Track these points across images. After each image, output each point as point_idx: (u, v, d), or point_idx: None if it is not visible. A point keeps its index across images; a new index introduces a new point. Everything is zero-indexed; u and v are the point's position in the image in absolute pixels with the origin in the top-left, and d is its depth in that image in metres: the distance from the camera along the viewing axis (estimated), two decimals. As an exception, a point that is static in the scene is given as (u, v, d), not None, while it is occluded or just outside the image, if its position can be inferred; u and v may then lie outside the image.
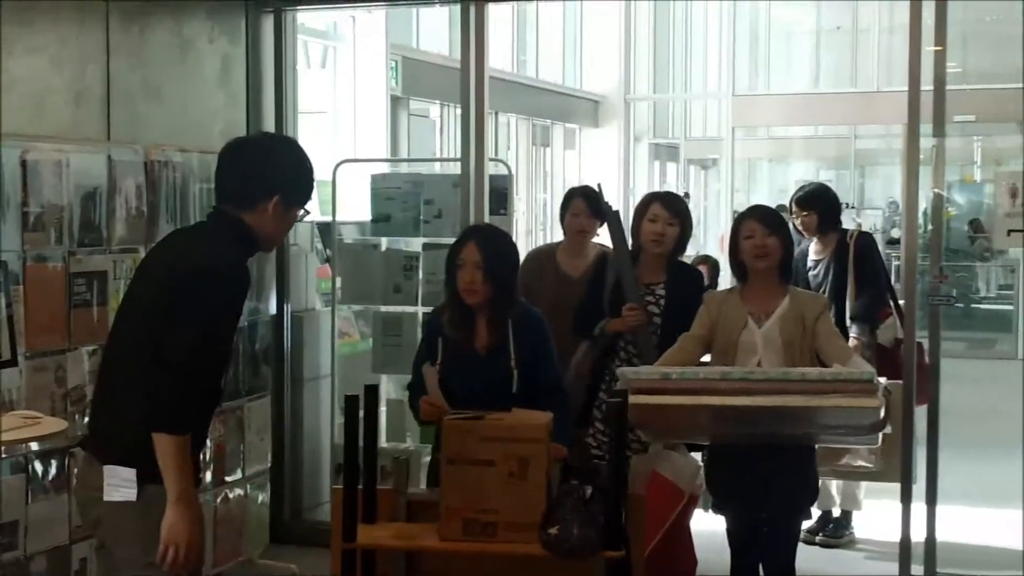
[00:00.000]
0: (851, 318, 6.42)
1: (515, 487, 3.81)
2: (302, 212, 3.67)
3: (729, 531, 4.86)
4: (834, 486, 6.73)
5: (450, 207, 6.69)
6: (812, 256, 6.75)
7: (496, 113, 13.94)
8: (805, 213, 6.70)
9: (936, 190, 6.07)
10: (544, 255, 6.13)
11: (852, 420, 4.25)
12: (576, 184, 6.81)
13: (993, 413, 10.21)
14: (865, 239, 6.80)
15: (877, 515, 6.67)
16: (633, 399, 4.07)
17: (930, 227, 6.25)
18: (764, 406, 4.10)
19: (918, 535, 5.88)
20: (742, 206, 20.15)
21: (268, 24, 6.84)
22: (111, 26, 5.67)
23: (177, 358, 3.33)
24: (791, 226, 6.34)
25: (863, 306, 6.50)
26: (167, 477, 3.32)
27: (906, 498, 5.85)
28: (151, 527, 3.35)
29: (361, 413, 3.92)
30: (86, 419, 4.76)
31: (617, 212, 5.58)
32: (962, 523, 6.66)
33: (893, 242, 15.71)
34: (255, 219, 3.53)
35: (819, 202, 6.72)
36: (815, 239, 6.74)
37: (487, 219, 6.46)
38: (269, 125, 6.82)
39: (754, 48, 21.34)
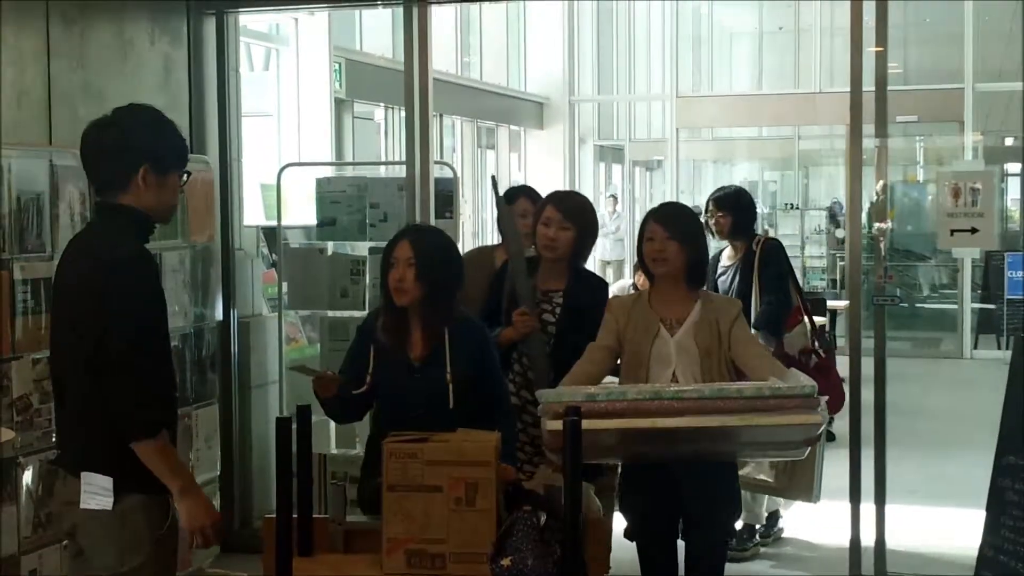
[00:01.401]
0: (753, 327, 6.18)
1: (463, 515, 3.59)
2: (183, 174, 3.60)
3: (643, 559, 4.56)
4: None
5: (396, 211, 6.65)
6: (724, 261, 6.69)
7: (441, 116, 13.87)
8: (721, 214, 6.61)
9: (878, 191, 6.09)
10: (483, 253, 5.85)
11: (791, 436, 3.96)
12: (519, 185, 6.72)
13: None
14: (771, 244, 6.72)
15: (825, 516, 6.68)
16: (551, 424, 3.77)
17: (875, 226, 6.28)
18: (705, 427, 3.78)
19: (868, 537, 5.88)
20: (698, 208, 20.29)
21: (210, 26, 6.76)
22: (51, 27, 5.58)
23: (117, 359, 3.31)
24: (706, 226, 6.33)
25: (764, 314, 6.42)
26: (163, 478, 3.37)
27: (855, 499, 5.85)
28: (127, 535, 3.37)
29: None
30: (44, 432, 4.85)
31: (509, 209, 5.27)
32: (910, 523, 6.69)
33: (841, 242, 15.81)
34: (134, 198, 3.48)
35: (735, 205, 6.64)
36: (728, 245, 6.71)
37: (433, 222, 6.42)
38: (212, 128, 6.74)
39: (697, 49, 21.43)
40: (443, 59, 15.04)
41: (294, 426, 3.74)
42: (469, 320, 4.32)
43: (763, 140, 22.85)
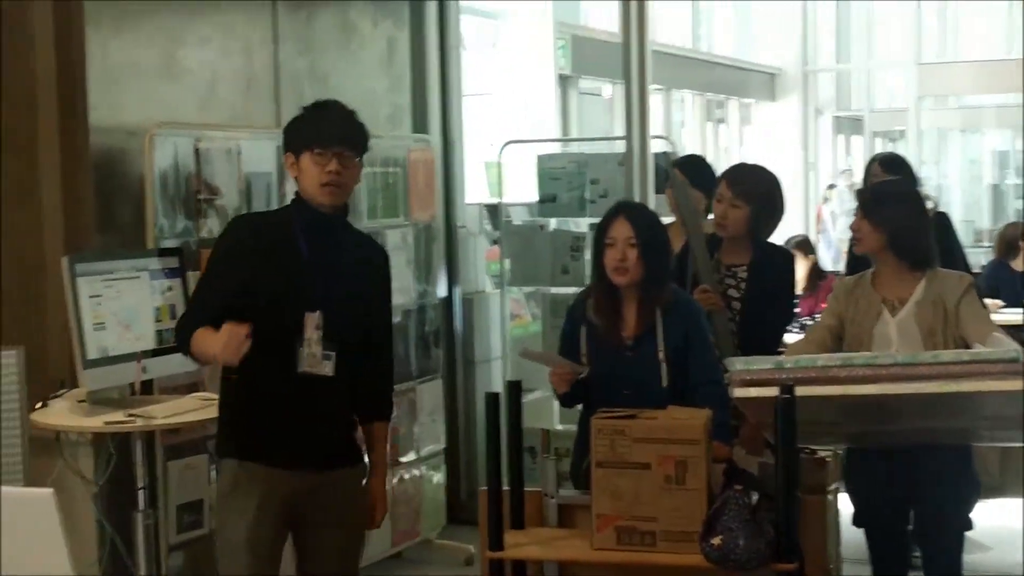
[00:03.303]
0: None
1: (673, 493, 3.54)
2: (319, 151, 3.52)
3: (871, 547, 4.42)
4: None
5: (616, 186, 6.63)
6: None
7: (668, 90, 13.77)
8: (887, 175, 6.01)
9: None
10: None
11: (1003, 409, 3.69)
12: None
13: None
14: (941, 217, 6.26)
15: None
16: (740, 392, 3.66)
17: None
18: (890, 394, 3.58)
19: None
20: (930, 179, 19.54)
21: (432, 6, 6.87)
22: (278, 13, 5.78)
23: None
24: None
25: None
26: (204, 351, 3.52)
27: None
28: (215, 495, 3.62)
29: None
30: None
31: (684, 183, 5.09)
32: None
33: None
34: (298, 183, 3.60)
35: (901, 168, 6.10)
36: None
37: (652, 198, 6.38)
38: (434, 107, 6.86)
39: (942, 13, 20.64)
40: (675, 33, 14.93)
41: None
42: (682, 296, 4.23)
43: (1015, 107, 21.83)
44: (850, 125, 21.80)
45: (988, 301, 8.89)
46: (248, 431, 3.53)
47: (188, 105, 5.16)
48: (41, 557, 2.33)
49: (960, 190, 20.95)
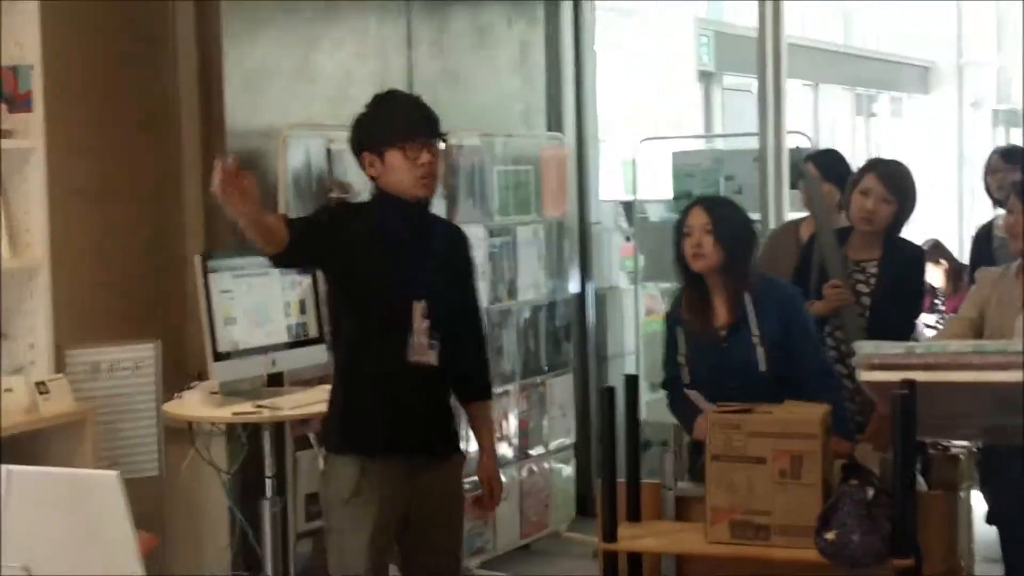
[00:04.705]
0: None
1: (788, 487, 3.52)
2: (409, 145, 3.48)
3: (1004, 546, 4.29)
4: None
5: (750, 183, 6.62)
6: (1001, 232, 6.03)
7: (817, 85, 13.60)
8: (1009, 166, 5.70)
9: None
10: (788, 227, 5.58)
11: None
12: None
13: None
14: None
15: None
16: (866, 375, 3.62)
17: None
18: (1020, 382, 3.44)
19: None
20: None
21: (567, 6, 6.93)
22: (412, 16, 5.90)
23: None
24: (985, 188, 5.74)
25: None
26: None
27: None
28: (327, 498, 3.53)
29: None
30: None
31: (816, 178, 5.06)
32: None
33: None
34: (381, 180, 3.56)
35: (1023, 158, 5.74)
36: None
37: (787, 193, 6.35)
38: (569, 106, 6.92)
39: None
40: (825, 27, 14.72)
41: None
42: (773, 281, 4.23)
43: None
44: (1010, 118, 21.20)
45: None
46: (367, 426, 3.54)
47: (322, 107, 5.32)
48: (107, 539, 2.35)
49: None
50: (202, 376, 4.58)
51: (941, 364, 3.60)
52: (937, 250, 7.56)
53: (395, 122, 3.53)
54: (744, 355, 4.06)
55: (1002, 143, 21.33)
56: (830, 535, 3.46)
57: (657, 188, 7.56)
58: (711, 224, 4.02)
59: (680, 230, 4.09)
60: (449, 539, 3.79)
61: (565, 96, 6.95)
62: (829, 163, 5.37)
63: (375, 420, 3.53)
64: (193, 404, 4.40)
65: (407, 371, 3.55)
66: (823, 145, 10.55)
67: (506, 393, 6.04)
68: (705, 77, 10.76)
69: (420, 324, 3.55)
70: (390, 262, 3.55)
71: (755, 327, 4.06)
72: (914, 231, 7.99)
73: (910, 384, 3.49)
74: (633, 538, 3.79)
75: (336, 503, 3.52)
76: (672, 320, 4.24)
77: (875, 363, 3.66)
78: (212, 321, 4.33)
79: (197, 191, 5.07)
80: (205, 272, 4.34)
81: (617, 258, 7.30)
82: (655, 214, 7.34)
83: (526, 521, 6.18)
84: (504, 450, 6.03)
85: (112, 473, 2.35)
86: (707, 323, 4.12)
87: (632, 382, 4.01)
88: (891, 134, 16.08)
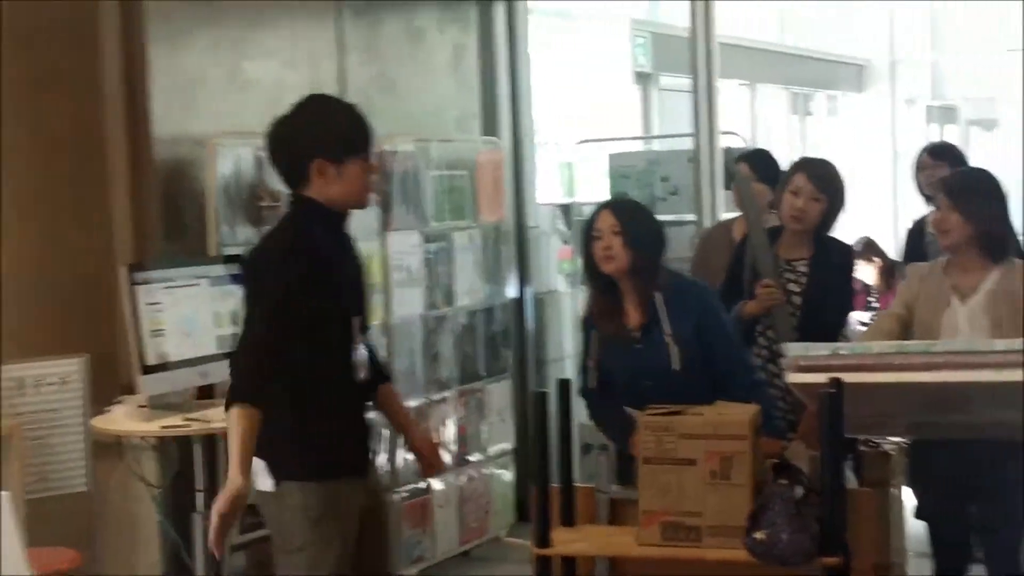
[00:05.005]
0: None
1: (718, 488, 3.54)
2: (366, 159, 3.42)
3: (933, 540, 4.38)
4: None
5: (686, 183, 6.65)
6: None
7: (753, 84, 13.68)
8: (938, 163, 5.73)
9: None
10: (720, 228, 5.66)
11: None
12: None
13: None
14: None
15: None
16: (794, 377, 3.70)
17: None
18: (943, 382, 3.56)
19: None
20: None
21: (499, 10, 6.91)
22: (344, 22, 5.86)
23: (241, 342, 3.38)
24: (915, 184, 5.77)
25: None
26: (229, 452, 3.29)
27: None
28: (285, 518, 3.40)
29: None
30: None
31: (747, 178, 5.10)
32: None
33: None
34: (317, 190, 3.40)
35: (954, 158, 5.80)
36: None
37: (721, 193, 6.37)
38: (504, 110, 6.90)
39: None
40: (760, 27, 14.80)
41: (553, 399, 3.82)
42: (684, 280, 4.27)
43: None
44: (944, 115, 21.46)
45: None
46: (331, 450, 3.43)
47: (252, 115, 5.24)
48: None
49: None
50: (132, 390, 4.51)
51: (866, 365, 3.66)
52: (870, 248, 7.62)
53: (356, 129, 3.46)
54: (657, 355, 4.07)
55: (936, 139, 21.62)
56: (759, 535, 3.48)
57: (594, 190, 7.56)
58: (619, 227, 4.04)
59: (589, 233, 4.11)
60: (387, 544, 3.79)
61: (500, 99, 6.93)
62: (761, 163, 5.40)
63: (339, 443, 3.44)
64: (121, 418, 4.34)
65: (355, 389, 3.53)
66: (760, 145, 10.63)
67: (444, 400, 6.02)
68: (642, 78, 10.78)
69: (358, 339, 3.52)
70: (336, 282, 3.48)
71: (667, 326, 4.07)
72: (849, 228, 8.08)
73: (837, 384, 3.52)
74: (566, 542, 3.79)
75: (303, 523, 3.41)
76: (586, 325, 4.26)
77: (802, 365, 3.72)
78: (139, 334, 4.27)
79: (125, 202, 5.01)
80: (132, 284, 4.28)
81: (555, 261, 7.30)
82: (593, 217, 7.33)
83: (465, 527, 6.15)
84: (442, 456, 6.01)
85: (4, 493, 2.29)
86: (619, 325, 4.13)
87: (564, 387, 4.00)
88: (827, 132, 16.22)
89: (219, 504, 3.20)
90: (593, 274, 4.14)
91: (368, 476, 3.60)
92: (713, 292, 4.34)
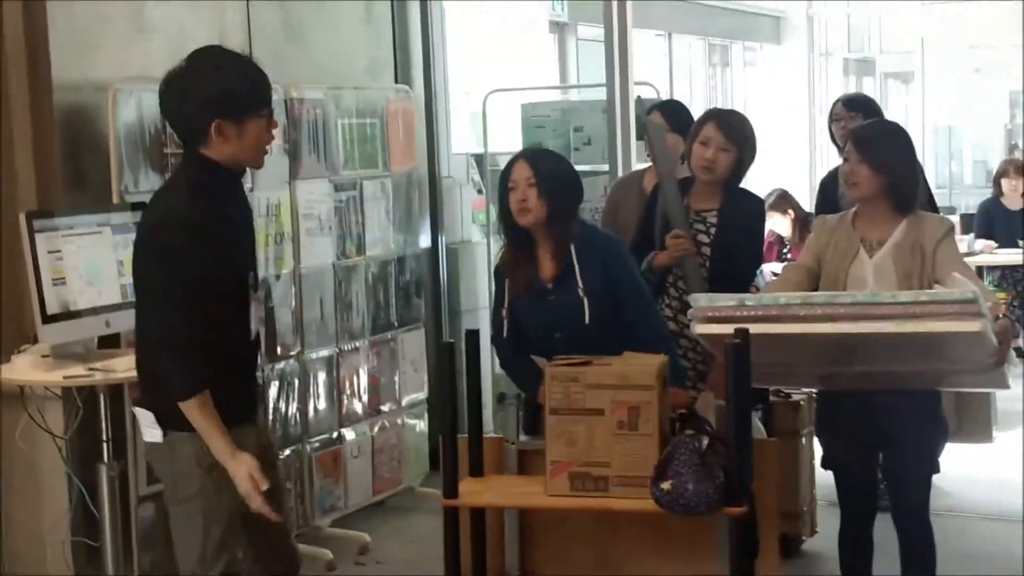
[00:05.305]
0: None
1: (626, 439, 3.58)
2: (265, 117, 3.35)
3: (840, 490, 4.37)
4: None
5: (599, 134, 6.66)
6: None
7: (670, 35, 13.67)
8: (852, 114, 5.71)
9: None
10: (632, 178, 5.60)
11: (963, 353, 3.73)
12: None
13: None
14: None
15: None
16: (700, 328, 3.73)
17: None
18: (847, 333, 3.60)
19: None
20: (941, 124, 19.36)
21: (411, -44, 6.85)
22: (251, -34, 5.77)
23: (151, 326, 3.33)
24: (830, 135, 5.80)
25: None
26: (204, 436, 3.29)
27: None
28: (178, 468, 3.37)
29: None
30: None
31: (659, 127, 5.07)
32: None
33: None
34: (214, 150, 3.31)
35: (869, 109, 5.80)
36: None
37: (635, 144, 6.38)
38: (416, 58, 6.85)
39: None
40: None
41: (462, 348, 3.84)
42: (595, 231, 4.27)
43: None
44: (861, 67, 21.63)
45: (983, 242, 8.92)
46: (228, 401, 3.35)
47: (155, 60, 5.15)
48: None
49: (974, 130, 20.79)
50: (37, 339, 4.44)
51: (772, 316, 3.68)
52: (784, 200, 7.68)
53: (256, 87, 3.36)
54: (570, 306, 4.08)
55: (853, 92, 21.78)
56: (665, 485, 3.52)
57: (508, 141, 7.54)
58: (534, 178, 4.03)
59: (505, 184, 4.09)
60: (280, 489, 3.81)
61: (413, 48, 6.87)
62: (674, 113, 5.40)
63: (230, 393, 3.38)
64: (23, 368, 4.28)
65: (248, 342, 3.50)
66: (677, 96, 10.63)
67: (355, 349, 5.99)
68: (558, 27, 10.73)
69: (252, 295, 3.49)
70: (237, 241, 3.44)
71: (579, 279, 4.08)
72: (766, 180, 8.13)
73: (743, 334, 3.55)
74: (474, 493, 3.82)
75: (194, 472, 3.36)
76: (499, 275, 4.26)
77: (709, 316, 3.75)
78: (39, 282, 4.20)
79: (27, 150, 4.89)
80: (31, 232, 4.21)
81: (469, 212, 7.28)
82: (507, 167, 7.32)
83: (379, 477, 6.15)
84: (355, 406, 6.00)
85: None
86: (532, 277, 4.13)
87: (473, 337, 4.01)
88: (745, 84, 16.27)
89: (253, 498, 3.27)
90: (508, 225, 4.13)
91: (256, 422, 3.58)
92: (622, 243, 4.34)
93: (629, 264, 4.23)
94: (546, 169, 4.08)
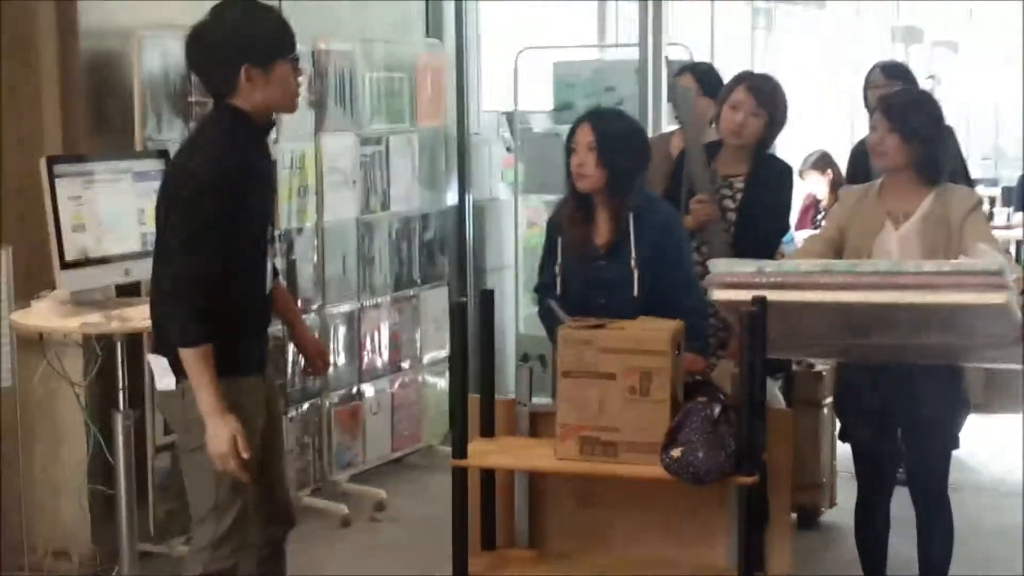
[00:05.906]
0: None
1: (637, 404, 3.52)
2: (293, 62, 3.38)
3: (857, 462, 4.33)
4: None
5: (632, 95, 6.58)
6: None
7: (713, -2, 13.53)
8: (890, 82, 5.61)
9: None
10: (660, 141, 5.45)
11: (981, 324, 3.62)
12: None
13: None
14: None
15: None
16: (718, 294, 3.66)
17: None
18: (867, 303, 3.51)
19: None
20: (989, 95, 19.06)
21: (445, -91, 6.78)
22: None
23: (169, 272, 3.33)
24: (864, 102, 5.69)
25: None
26: (195, 389, 3.30)
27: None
28: (190, 417, 3.35)
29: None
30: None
31: (687, 90, 4.98)
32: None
33: None
34: (244, 98, 3.34)
35: (906, 75, 5.71)
36: None
37: (665, 107, 6.31)
38: (448, 14, 6.79)
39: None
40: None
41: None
42: (655, 202, 4.16)
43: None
44: (907, 34, 21.34)
45: (1022, 214, 8.82)
46: (231, 348, 3.35)
47: (180, 8, 5.11)
48: None
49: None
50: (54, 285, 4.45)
51: (791, 283, 3.61)
52: (824, 160, 7.60)
53: (282, 32, 3.39)
54: (619, 276, 4.02)
55: (900, 58, 21.50)
56: (676, 452, 3.47)
57: (539, 99, 7.47)
58: (595, 142, 3.95)
59: (569, 145, 4.03)
60: (281, 438, 3.86)
61: (444, 3, 6.81)
62: (705, 76, 5.32)
63: (243, 343, 3.42)
64: (42, 314, 4.27)
65: (263, 292, 3.50)
66: (719, 59, 10.52)
67: (377, 305, 5.99)
68: (598, -15, 10.62)
69: (268, 249, 3.49)
70: (262, 196, 3.46)
71: (634, 250, 4.01)
72: (806, 146, 8.01)
73: (760, 301, 3.48)
74: (483, 454, 3.78)
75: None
76: (553, 228, 4.20)
77: (727, 282, 3.68)
78: (59, 228, 4.19)
79: (54, 94, 4.90)
80: (51, 177, 4.19)
81: (498, 169, 7.24)
82: (539, 125, 7.27)
83: (397, 435, 6.15)
84: (375, 362, 5.99)
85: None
86: (587, 240, 4.07)
87: (488, 297, 3.98)
88: (788, 48, 16.07)
89: (227, 460, 3.26)
90: (570, 185, 4.07)
91: (265, 376, 3.58)
92: (680, 222, 4.26)
93: (680, 238, 4.16)
94: (608, 134, 3.98)
